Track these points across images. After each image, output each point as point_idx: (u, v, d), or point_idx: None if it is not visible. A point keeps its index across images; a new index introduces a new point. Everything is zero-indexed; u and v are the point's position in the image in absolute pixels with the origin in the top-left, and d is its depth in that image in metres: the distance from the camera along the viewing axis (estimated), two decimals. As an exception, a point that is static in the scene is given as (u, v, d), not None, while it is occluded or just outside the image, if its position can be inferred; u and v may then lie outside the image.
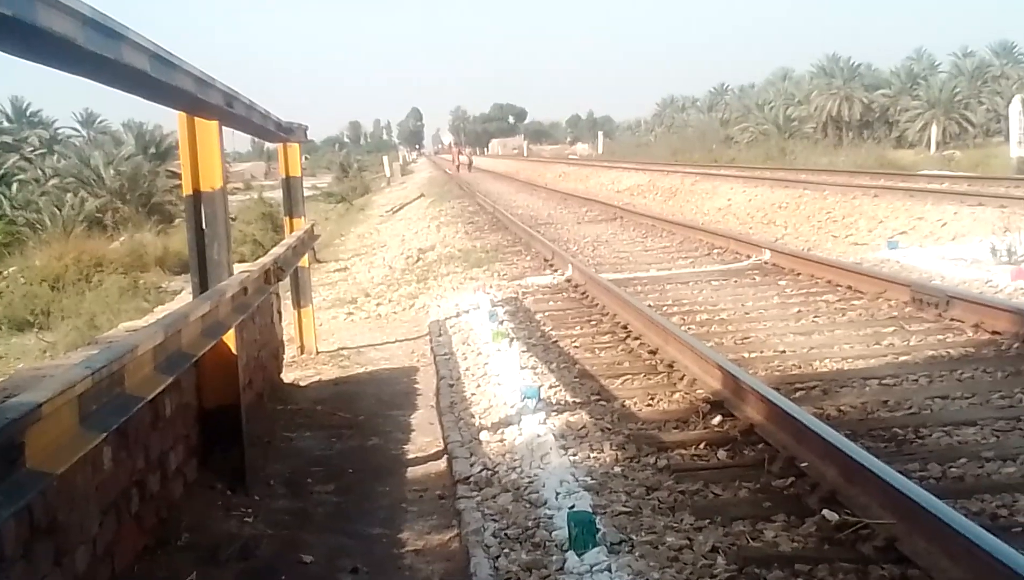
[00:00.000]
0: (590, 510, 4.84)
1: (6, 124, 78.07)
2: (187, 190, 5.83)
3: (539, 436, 6.21)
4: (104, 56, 3.27)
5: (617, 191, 34.28)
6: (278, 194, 27.20)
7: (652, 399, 7.13)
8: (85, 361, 3.07)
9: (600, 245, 17.70)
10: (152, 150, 58.33)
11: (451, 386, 8.34)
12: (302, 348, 10.22)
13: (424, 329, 11.41)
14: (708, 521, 4.81)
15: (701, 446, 5.99)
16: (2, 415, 2.43)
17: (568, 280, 13.09)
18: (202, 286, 5.78)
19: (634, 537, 4.59)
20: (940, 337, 8.34)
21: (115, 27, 3.35)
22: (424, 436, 7.23)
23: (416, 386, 8.89)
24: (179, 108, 5.50)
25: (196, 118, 5.70)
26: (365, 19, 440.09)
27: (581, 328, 9.99)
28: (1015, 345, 7.73)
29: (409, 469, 6.53)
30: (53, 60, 3.19)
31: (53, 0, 2.77)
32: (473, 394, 7.92)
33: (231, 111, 5.85)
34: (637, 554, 4.39)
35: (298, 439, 7.17)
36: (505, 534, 4.88)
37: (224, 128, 6.08)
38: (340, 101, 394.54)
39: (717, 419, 6.45)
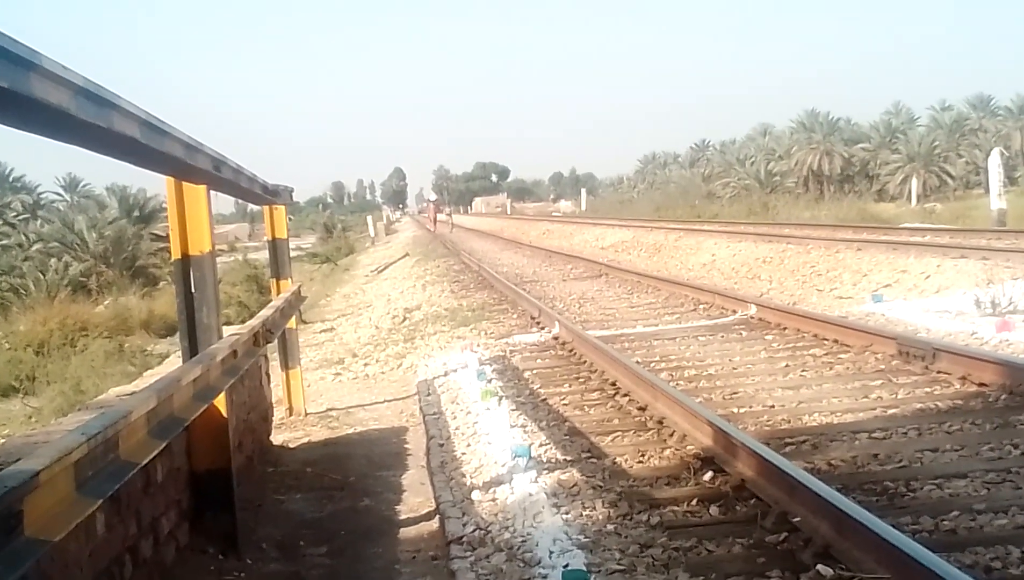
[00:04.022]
0: (584, 568, 4.84)
1: (-11, 190, 78.20)
2: (176, 254, 5.86)
3: (531, 495, 6.20)
4: (96, 125, 3.29)
5: (601, 248, 34.39)
6: (262, 255, 27.26)
7: (643, 456, 7.13)
8: (80, 427, 3.07)
9: (586, 302, 17.72)
10: (136, 213, 58.43)
11: (441, 446, 8.33)
12: (291, 410, 10.19)
13: (412, 389, 11.40)
14: (703, 578, 4.80)
15: (693, 502, 5.98)
16: (1, 483, 2.43)
17: (555, 337, 13.10)
18: (192, 350, 5.78)
19: (629, 595, 4.57)
20: (928, 390, 8.37)
21: (107, 96, 3.38)
22: (415, 496, 7.20)
23: (406, 446, 8.87)
24: (168, 173, 5.53)
25: (184, 183, 5.73)
26: (347, 80, 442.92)
27: (570, 385, 9.99)
28: (1002, 397, 7.76)
29: (401, 530, 6.51)
30: (47, 130, 3.22)
31: (47, 71, 2.79)
32: (463, 453, 7.91)
33: (219, 175, 5.87)
34: (633, 613, 4.37)
35: (289, 501, 7.14)
36: (500, 594, 4.86)
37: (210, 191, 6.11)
38: (323, 162, 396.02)
39: (708, 475, 6.44)
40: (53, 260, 43.54)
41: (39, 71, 2.73)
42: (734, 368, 10.09)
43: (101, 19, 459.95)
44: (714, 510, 5.85)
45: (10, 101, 2.60)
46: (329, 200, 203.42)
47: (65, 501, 2.81)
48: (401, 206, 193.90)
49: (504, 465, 7.02)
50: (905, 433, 7.11)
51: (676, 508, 5.93)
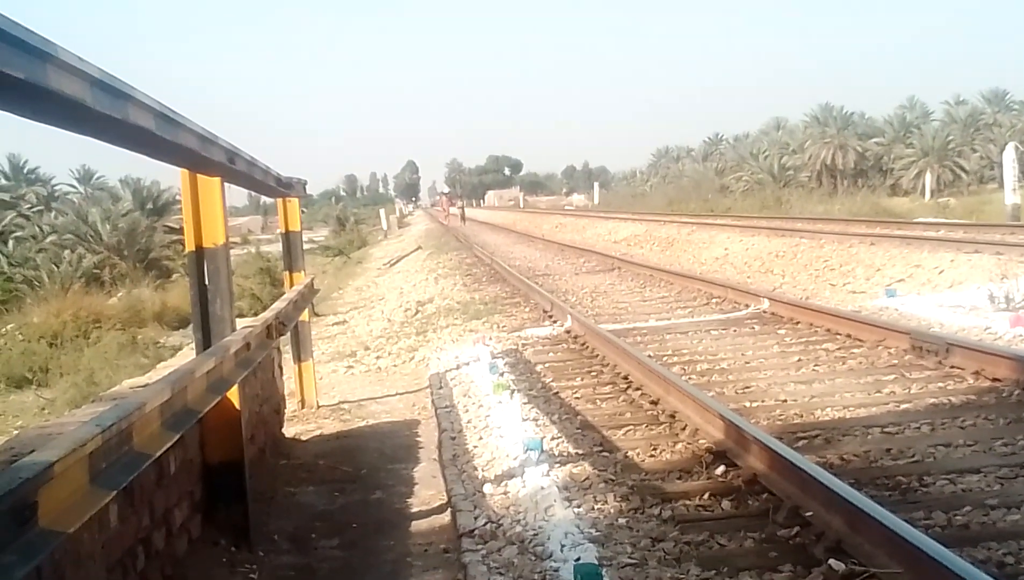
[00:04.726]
0: (596, 562, 4.84)
1: (3, 181, 78.24)
2: (190, 246, 5.85)
3: (543, 488, 6.21)
4: (111, 116, 3.30)
5: (614, 241, 34.38)
6: (275, 248, 27.26)
7: (655, 450, 7.13)
8: (95, 419, 3.08)
9: (598, 296, 17.72)
10: (149, 206, 58.45)
11: (453, 439, 8.34)
12: (303, 402, 10.21)
13: (424, 382, 11.41)
14: (715, 572, 4.80)
15: (705, 496, 5.98)
16: (16, 475, 2.44)
17: (568, 331, 13.10)
18: (205, 342, 5.78)
19: (641, 589, 4.57)
20: (941, 385, 8.36)
21: (122, 87, 3.38)
22: (427, 489, 7.21)
23: (418, 439, 8.88)
24: (182, 165, 5.53)
25: (199, 175, 5.74)
26: (360, 73, 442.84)
27: (582, 379, 9.99)
28: (1016, 392, 7.73)
29: (413, 523, 6.52)
30: (63, 121, 3.23)
31: (63, 62, 2.80)
32: (475, 446, 7.92)
33: (233, 167, 5.89)
34: (644, 606, 4.37)
35: (301, 494, 7.15)
36: (511, 587, 4.86)
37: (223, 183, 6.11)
38: (336, 155, 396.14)
39: (720, 469, 6.44)
40: (67, 252, 43.61)
41: (55, 62, 2.74)
42: (747, 362, 10.08)
43: (104, 12, 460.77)
44: (726, 504, 5.85)
45: (27, 92, 2.61)
46: (342, 193, 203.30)
47: (79, 492, 2.82)
48: (414, 199, 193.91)
49: (516, 458, 7.03)
50: (918, 428, 7.10)
51: (688, 502, 5.94)
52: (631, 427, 7.85)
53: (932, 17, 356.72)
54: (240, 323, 6.36)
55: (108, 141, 3.89)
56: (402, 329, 16.28)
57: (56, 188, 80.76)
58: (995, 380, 8.15)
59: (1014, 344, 9.80)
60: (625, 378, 9.54)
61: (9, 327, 26.46)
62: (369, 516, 6.67)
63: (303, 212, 11.06)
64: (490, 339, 13.02)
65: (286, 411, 9.27)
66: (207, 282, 5.82)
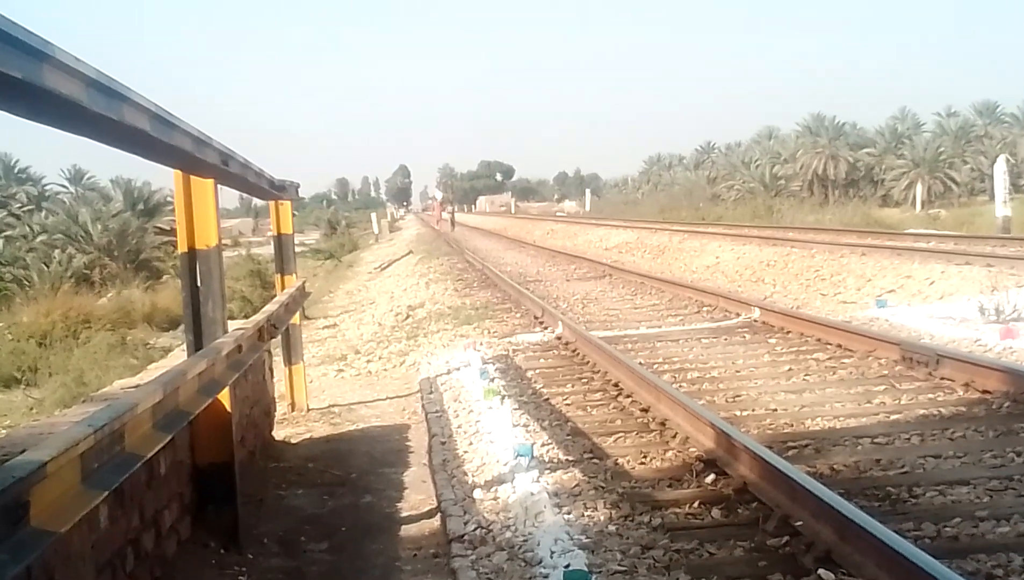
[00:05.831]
0: (586, 569, 4.84)
1: (-6, 181, 78.18)
2: (182, 248, 5.85)
3: (533, 494, 6.20)
4: (107, 117, 3.29)
5: (605, 248, 34.38)
6: (266, 250, 27.23)
7: (645, 457, 7.13)
8: (87, 419, 3.07)
9: (590, 302, 17.72)
10: (140, 206, 58.29)
11: (443, 444, 8.33)
12: (293, 405, 10.19)
13: (415, 386, 11.40)
14: (704, 580, 4.81)
15: (695, 504, 5.98)
16: (8, 474, 2.43)
17: (558, 337, 13.10)
18: (196, 343, 5.78)
19: (630, 596, 4.57)
20: (931, 396, 8.37)
21: (118, 88, 3.38)
22: (417, 494, 7.20)
23: (408, 443, 8.87)
24: (176, 167, 5.52)
25: (192, 177, 5.73)
26: (353, 77, 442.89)
27: (572, 386, 9.99)
28: (1006, 404, 7.75)
29: (403, 527, 6.50)
30: (58, 121, 3.22)
31: (59, 62, 2.79)
32: (465, 452, 7.91)
33: (226, 169, 5.87)
34: (634, 614, 4.36)
35: (291, 497, 7.14)
36: (501, 593, 4.86)
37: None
38: (328, 158, 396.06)
39: (711, 477, 6.44)
40: (57, 252, 43.44)
41: (52, 62, 2.74)
42: (737, 371, 10.08)
43: (103, 12, 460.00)
44: (716, 513, 5.85)
45: (23, 92, 2.61)
46: (333, 196, 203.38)
47: (71, 492, 2.81)
48: (405, 204, 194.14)
49: (506, 464, 7.02)
50: (908, 439, 7.10)
51: (678, 510, 5.94)
52: (621, 434, 7.85)
53: (924, 28, 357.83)
54: (231, 325, 6.35)
55: (103, 141, 3.88)
56: (393, 333, 16.28)
57: (47, 188, 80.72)
58: (985, 392, 8.16)
59: (1004, 356, 9.81)
60: (616, 385, 9.54)
61: (-1, 326, 26.40)
62: (359, 520, 6.65)
63: (295, 215, 11.04)
64: (481, 344, 13.01)
65: (276, 414, 9.26)
66: (199, 284, 5.82)
